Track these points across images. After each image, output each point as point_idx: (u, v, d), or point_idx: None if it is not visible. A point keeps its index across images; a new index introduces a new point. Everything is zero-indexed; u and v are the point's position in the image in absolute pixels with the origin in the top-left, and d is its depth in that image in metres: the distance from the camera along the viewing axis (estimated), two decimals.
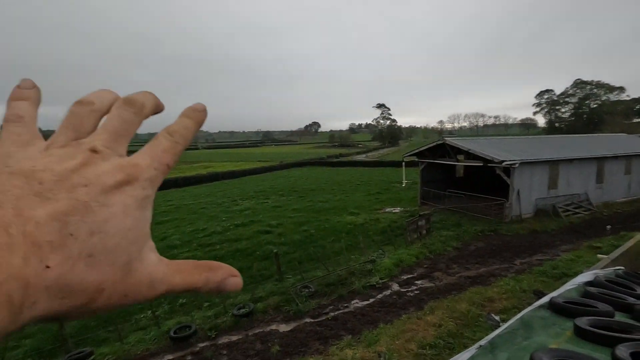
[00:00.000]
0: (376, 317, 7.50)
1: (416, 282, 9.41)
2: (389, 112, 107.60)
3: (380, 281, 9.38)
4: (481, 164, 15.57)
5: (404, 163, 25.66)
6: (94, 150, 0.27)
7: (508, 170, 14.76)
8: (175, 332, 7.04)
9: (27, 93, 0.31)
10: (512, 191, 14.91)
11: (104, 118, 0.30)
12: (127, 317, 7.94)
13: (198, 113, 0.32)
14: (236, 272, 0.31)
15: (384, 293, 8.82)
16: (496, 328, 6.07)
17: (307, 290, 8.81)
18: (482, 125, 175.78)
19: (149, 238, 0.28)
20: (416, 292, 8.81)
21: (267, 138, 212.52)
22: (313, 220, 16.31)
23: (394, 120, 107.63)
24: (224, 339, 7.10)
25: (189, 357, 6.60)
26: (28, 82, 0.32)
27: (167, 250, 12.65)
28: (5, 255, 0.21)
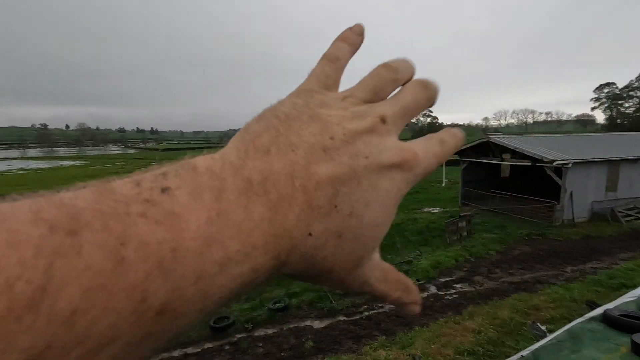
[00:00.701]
0: (411, 320, 7.34)
1: (455, 285, 9.09)
2: (430, 108, 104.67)
3: (417, 283, 9.15)
4: (529, 164, 14.65)
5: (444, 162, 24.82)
6: (383, 120, 0.26)
7: (560, 171, 13.76)
8: (214, 322, 7.36)
9: (353, 38, 0.31)
10: (563, 193, 13.88)
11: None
12: None
13: (458, 139, 0.31)
14: (420, 300, 0.30)
15: (421, 295, 8.58)
16: (542, 339, 5.73)
17: None
18: (531, 122, 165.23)
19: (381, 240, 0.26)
20: (455, 295, 8.51)
21: None
22: None
23: (434, 118, 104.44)
24: (260, 332, 7.31)
25: (227, 347, 6.88)
26: (359, 27, 0.31)
27: None
28: (285, 209, 0.21)
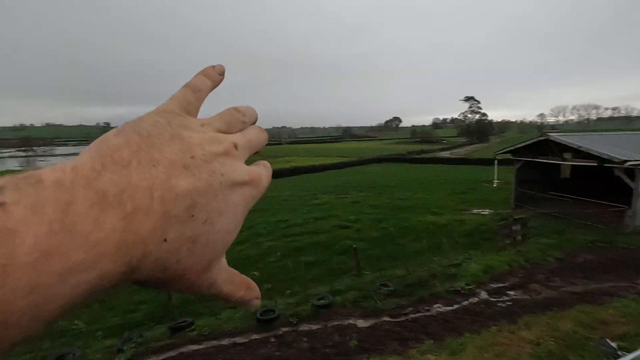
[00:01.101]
0: (461, 325, 7.02)
1: (508, 292, 8.55)
2: (479, 105, 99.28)
3: (466, 287, 8.74)
4: (595, 164, 13.37)
5: (496, 161, 23.45)
6: (235, 146, 0.30)
7: (632, 172, 12.41)
8: (261, 315, 7.57)
9: (215, 76, 0.36)
10: (636, 197, 12.51)
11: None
12: None
13: (269, 168, 0.35)
14: (259, 294, 0.35)
15: (470, 300, 8.21)
16: (612, 356, 5.19)
17: (385, 288, 8.66)
18: (595, 118, 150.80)
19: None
20: (508, 303, 8.01)
21: (346, 133, 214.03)
22: (391, 218, 15.95)
23: (484, 114, 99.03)
24: (304, 327, 7.39)
25: (273, 339, 7.04)
26: (220, 68, 0.36)
27: (254, 237, 13.63)
28: (140, 218, 0.22)
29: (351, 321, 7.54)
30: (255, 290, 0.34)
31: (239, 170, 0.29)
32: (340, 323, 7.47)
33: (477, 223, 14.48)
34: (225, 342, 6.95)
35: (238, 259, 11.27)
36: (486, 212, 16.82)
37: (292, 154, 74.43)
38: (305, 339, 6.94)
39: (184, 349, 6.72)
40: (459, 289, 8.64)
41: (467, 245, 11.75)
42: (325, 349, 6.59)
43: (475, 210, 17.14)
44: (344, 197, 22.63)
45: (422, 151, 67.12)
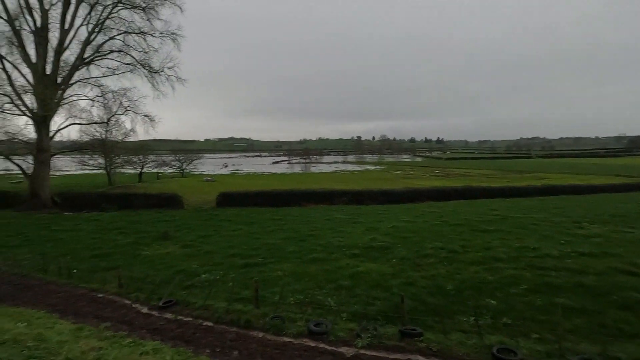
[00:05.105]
0: None
1: None
2: None
3: None
4: None
5: None
6: None
7: None
8: (498, 352, 6.62)
9: None
10: None
11: None
12: (451, 314, 8.39)
13: None
14: None
15: None
16: None
17: None
18: None
19: None
20: None
21: (634, 145, 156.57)
22: None
23: None
24: None
25: None
26: None
27: (492, 261, 12.20)
28: None
29: None
30: None
31: None
32: None
33: None
34: None
35: (472, 281, 10.42)
36: None
37: (545, 169, 61.95)
38: None
39: (411, 357, 6.82)
40: None
41: None
42: None
43: None
44: (628, 231, 16.57)
45: None
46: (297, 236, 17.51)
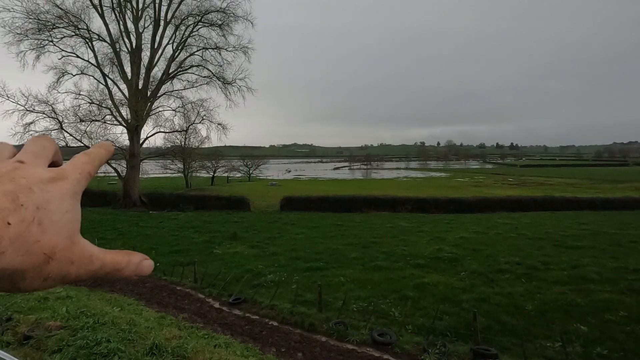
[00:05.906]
0: None
1: None
2: None
3: None
4: None
5: None
6: (20, 161, 0.34)
7: None
8: None
9: (110, 149, 0.43)
10: None
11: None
12: (531, 337, 7.59)
13: (102, 148, 0.41)
14: (147, 257, 0.36)
15: None
16: None
17: None
18: None
19: (80, 226, 0.33)
20: None
21: None
22: None
23: None
24: None
25: None
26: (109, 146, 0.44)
27: (581, 282, 10.80)
28: None
29: None
30: (137, 253, 0.36)
31: (40, 172, 0.33)
32: None
33: None
34: None
35: (557, 302, 9.33)
36: None
37: None
38: None
39: None
40: None
41: None
42: None
43: None
44: None
45: None
46: (359, 242, 17.36)
